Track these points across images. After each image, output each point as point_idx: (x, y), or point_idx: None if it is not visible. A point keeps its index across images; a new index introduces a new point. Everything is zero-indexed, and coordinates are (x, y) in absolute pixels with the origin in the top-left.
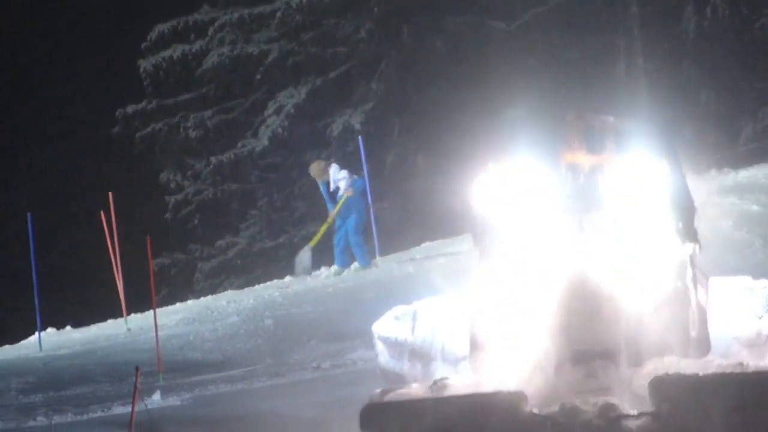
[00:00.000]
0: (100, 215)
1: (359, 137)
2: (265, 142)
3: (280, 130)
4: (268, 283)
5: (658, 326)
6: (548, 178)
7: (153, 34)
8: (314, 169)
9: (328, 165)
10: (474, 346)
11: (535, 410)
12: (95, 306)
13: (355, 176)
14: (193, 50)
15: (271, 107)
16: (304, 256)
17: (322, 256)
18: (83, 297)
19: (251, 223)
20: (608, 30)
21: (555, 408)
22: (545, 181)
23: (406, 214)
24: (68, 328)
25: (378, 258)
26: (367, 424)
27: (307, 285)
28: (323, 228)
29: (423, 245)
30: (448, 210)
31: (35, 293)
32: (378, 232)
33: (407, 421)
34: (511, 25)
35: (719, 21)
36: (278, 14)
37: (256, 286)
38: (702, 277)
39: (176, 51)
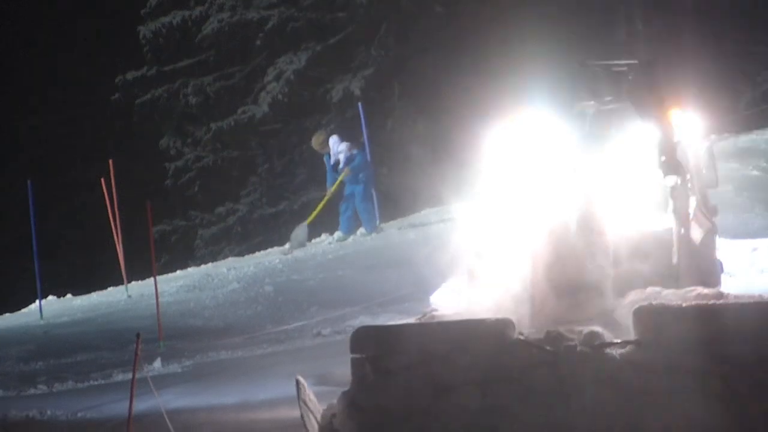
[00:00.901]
0: (101, 182)
1: (359, 103)
2: (265, 108)
3: (280, 96)
4: (269, 249)
5: (641, 258)
6: (557, 124)
7: (153, 1)
8: (315, 141)
9: (329, 136)
10: (471, 280)
11: (521, 336)
12: (96, 273)
13: (354, 150)
14: (193, 16)
15: (270, 73)
16: (300, 231)
17: (322, 224)
18: (84, 264)
19: (251, 190)
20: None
21: (541, 336)
22: (554, 127)
23: (406, 180)
24: (69, 295)
25: (378, 224)
26: (356, 347)
27: (307, 252)
28: (320, 205)
29: (423, 211)
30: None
31: (35, 261)
32: (378, 199)
33: (393, 345)
34: None
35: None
36: None
37: (257, 253)
38: (700, 214)
39: (176, 17)
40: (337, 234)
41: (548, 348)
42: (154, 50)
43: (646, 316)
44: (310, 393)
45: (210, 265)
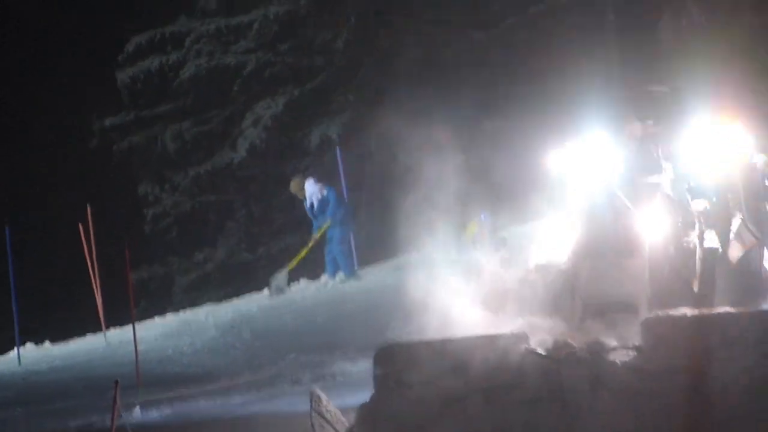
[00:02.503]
0: (79, 228)
1: (337, 147)
2: (243, 153)
3: (257, 141)
4: (247, 296)
5: (672, 279)
6: (609, 147)
7: (130, 46)
8: (293, 186)
9: (304, 180)
10: (520, 299)
11: (531, 347)
12: (74, 320)
13: (325, 190)
14: (170, 62)
15: (248, 118)
16: (280, 277)
17: (301, 269)
18: (62, 311)
19: (229, 235)
20: (586, 37)
21: (549, 345)
22: (606, 150)
23: (384, 224)
24: (47, 342)
25: (356, 269)
26: (378, 363)
27: (285, 297)
28: (303, 252)
29: (401, 256)
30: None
31: (14, 307)
32: (357, 244)
33: (413, 360)
34: (489, 31)
35: (695, 29)
36: (255, 25)
37: (235, 299)
38: (746, 231)
39: (153, 62)
40: (324, 277)
41: (545, 354)
42: (131, 96)
43: (653, 325)
44: (328, 404)
45: (188, 311)
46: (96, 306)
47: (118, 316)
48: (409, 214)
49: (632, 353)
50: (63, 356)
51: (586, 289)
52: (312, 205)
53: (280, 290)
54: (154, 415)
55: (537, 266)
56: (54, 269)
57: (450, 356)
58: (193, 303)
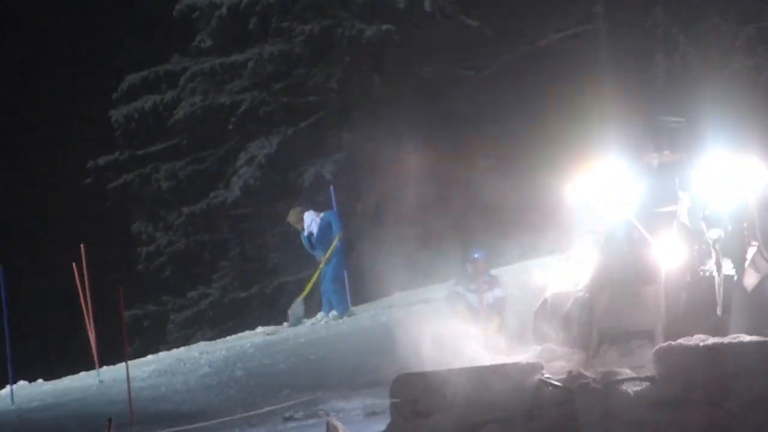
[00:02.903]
0: (73, 267)
1: (330, 186)
2: (237, 192)
3: (251, 180)
4: (240, 333)
5: (689, 307)
6: (628, 176)
7: (124, 85)
8: (291, 217)
9: (303, 211)
10: (536, 327)
11: (545, 377)
12: (68, 358)
13: (322, 214)
14: (165, 100)
15: (242, 157)
16: (297, 307)
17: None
18: (55, 349)
19: (223, 274)
20: (578, 76)
21: (563, 376)
22: (625, 179)
23: (377, 264)
24: (40, 380)
25: (349, 307)
26: (395, 392)
27: (279, 335)
28: (314, 277)
29: (395, 295)
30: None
31: (7, 346)
32: (350, 282)
33: (429, 389)
34: (482, 72)
35: (689, 67)
36: (249, 64)
37: (228, 337)
38: (762, 259)
39: (147, 101)
40: (320, 315)
41: (561, 385)
42: (126, 135)
43: (664, 354)
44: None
45: (182, 349)
46: (89, 344)
47: (112, 354)
48: (403, 253)
49: (645, 383)
50: (56, 394)
51: (603, 317)
52: (311, 234)
53: (298, 320)
54: None
55: (554, 294)
56: (48, 307)
57: (465, 385)
58: (187, 341)
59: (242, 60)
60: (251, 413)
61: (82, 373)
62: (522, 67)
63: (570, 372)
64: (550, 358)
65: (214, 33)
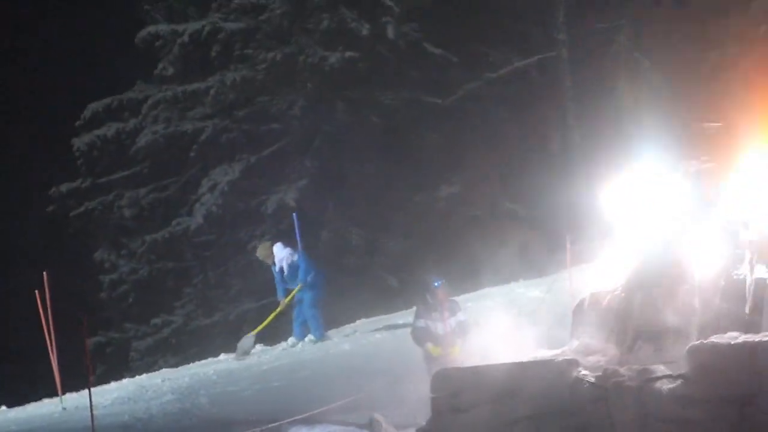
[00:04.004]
0: (35, 294)
1: (293, 213)
2: (200, 219)
3: (214, 207)
4: (204, 361)
5: (722, 307)
6: (666, 181)
7: (87, 113)
8: (261, 252)
9: (273, 245)
10: (574, 324)
11: (581, 374)
12: (30, 385)
13: (295, 255)
14: (127, 128)
15: (205, 185)
16: (247, 341)
17: (259, 335)
18: (18, 376)
19: (186, 301)
20: (543, 103)
21: (599, 373)
22: (664, 184)
23: (341, 291)
24: (4, 407)
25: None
26: (435, 388)
27: (242, 363)
28: (271, 316)
29: (358, 321)
30: (385, 286)
31: None
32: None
33: (468, 384)
34: (446, 99)
35: (653, 93)
36: (212, 91)
37: (192, 364)
38: None
39: (110, 129)
40: (291, 339)
41: (596, 382)
42: (88, 162)
43: (696, 352)
44: (388, 428)
45: (145, 376)
46: (52, 371)
47: (75, 381)
48: (367, 280)
49: (678, 381)
50: (20, 421)
51: (638, 316)
52: (282, 269)
53: (245, 353)
54: None
55: (592, 294)
56: (10, 334)
57: (503, 381)
58: (150, 368)
59: (204, 87)
60: None
61: (46, 400)
62: (486, 94)
63: (605, 369)
64: (586, 354)
65: (177, 61)
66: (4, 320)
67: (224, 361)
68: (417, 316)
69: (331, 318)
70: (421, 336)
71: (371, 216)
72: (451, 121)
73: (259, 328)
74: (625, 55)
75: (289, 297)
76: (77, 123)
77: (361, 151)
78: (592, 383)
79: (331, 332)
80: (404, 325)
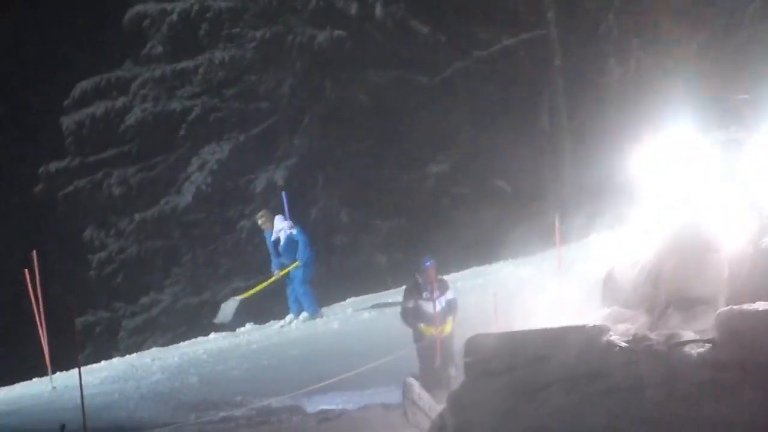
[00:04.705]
0: (24, 273)
1: (282, 192)
2: (189, 198)
3: (203, 186)
4: (193, 339)
5: (750, 275)
6: (695, 149)
7: (75, 92)
8: (262, 218)
9: (274, 215)
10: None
11: (612, 339)
12: (19, 364)
13: (294, 229)
14: (116, 107)
15: (194, 163)
16: (230, 304)
17: (248, 312)
18: (7, 355)
19: (175, 280)
20: (531, 82)
21: (629, 338)
22: (693, 152)
23: (329, 269)
24: None
25: (291, 315)
26: (468, 352)
27: (231, 342)
28: (261, 285)
29: (348, 300)
30: (374, 264)
31: None
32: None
33: (501, 349)
34: (434, 78)
35: (642, 73)
36: (200, 70)
37: (181, 344)
38: None
39: (99, 108)
40: (289, 316)
41: (626, 347)
42: (77, 141)
43: (725, 318)
44: (422, 392)
45: (134, 355)
46: (42, 350)
47: (64, 361)
48: (355, 258)
49: (707, 346)
50: (8, 401)
51: (669, 283)
52: (278, 240)
53: (225, 317)
54: None
55: (623, 261)
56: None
57: (535, 346)
58: (139, 347)
59: (193, 66)
60: (205, 419)
61: (35, 380)
62: (474, 73)
63: (635, 334)
64: (617, 320)
65: (165, 40)
66: None
67: (214, 340)
68: (406, 297)
69: (320, 297)
70: (410, 316)
71: (360, 194)
72: (440, 100)
73: (246, 294)
74: (615, 34)
75: (284, 271)
76: (66, 102)
77: (350, 130)
78: (623, 348)
79: (321, 310)
80: (393, 304)
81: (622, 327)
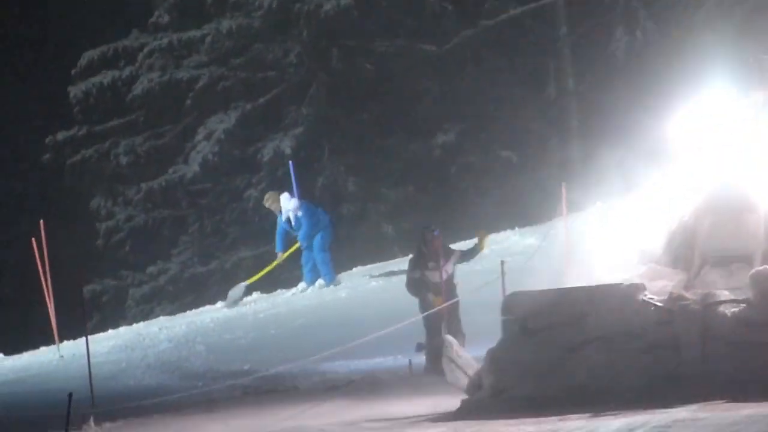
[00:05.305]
0: (32, 242)
1: (290, 161)
2: (196, 167)
3: (210, 155)
4: (200, 309)
5: None
6: (733, 110)
7: (82, 61)
8: (269, 199)
9: (280, 195)
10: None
11: (647, 297)
12: (27, 333)
13: (300, 210)
14: (123, 76)
15: (201, 133)
16: (237, 290)
17: (256, 283)
18: (15, 324)
19: (182, 249)
20: (538, 51)
21: (665, 297)
22: (730, 113)
23: (337, 238)
24: (0, 355)
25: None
26: (506, 310)
27: (238, 311)
28: (267, 269)
29: (355, 269)
30: (381, 233)
31: None
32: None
33: (538, 307)
34: (441, 47)
35: (649, 42)
36: (207, 39)
37: (188, 312)
38: None
39: (106, 77)
40: (301, 285)
41: (662, 306)
42: (84, 110)
43: (760, 278)
44: (459, 350)
45: (141, 324)
46: (49, 318)
47: (72, 329)
48: (363, 227)
49: (742, 305)
50: (16, 369)
51: (705, 242)
52: (289, 220)
53: (234, 302)
54: (108, 428)
55: (659, 220)
56: (7, 283)
57: (571, 305)
58: (146, 316)
59: (200, 35)
60: (212, 387)
61: (43, 348)
62: (481, 42)
63: (671, 293)
64: (653, 278)
65: (172, 8)
66: (1, 268)
67: (220, 309)
68: (412, 267)
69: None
70: (417, 287)
71: (367, 163)
72: (447, 69)
73: (253, 279)
74: (621, 3)
75: (287, 253)
76: (73, 71)
77: (357, 99)
78: (658, 306)
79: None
80: (400, 273)
81: (659, 284)
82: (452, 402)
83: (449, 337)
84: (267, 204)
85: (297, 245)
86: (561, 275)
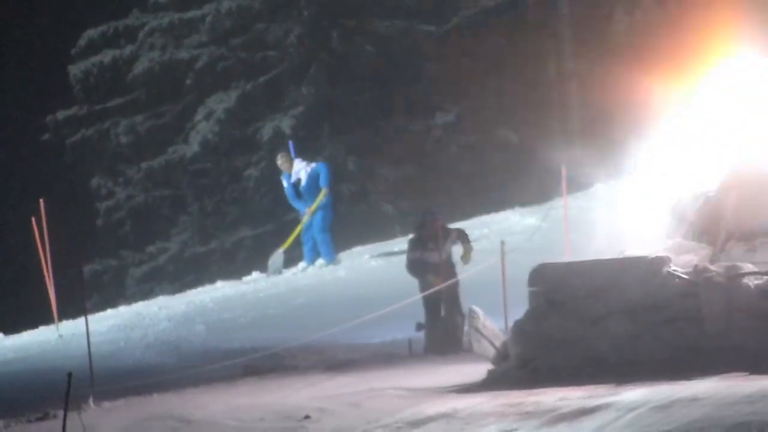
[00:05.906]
0: (32, 222)
1: (289, 141)
2: (196, 147)
3: (210, 135)
4: (200, 288)
5: None
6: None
7: (83, 40)
8: (281, 158)
9: (294, 158)
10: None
11: (672, 270)
12: (26, 312)
13: (314, 164)
14: (123, 55)
15: (201, 112)
16: (277, 258)
17: (252, 263)
18: (14, 303)
19: (182, 229)
20: (538, 31)
21: (689, 269)
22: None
23: (336, 218)
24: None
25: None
26: (533, 281)
27: (238, 290)
28: (297, 230)
29: (354, 249)
30: (381, 213)
31: None
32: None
33: (564, 279)
34: (441, 27)
35: (650, 22)
36: (208, 19)
37: (188, 292)
38: None
39: (106, 56)
40: (301, 264)
41: (686, 278)
42: (84, 89)
43: None
44: (485, 321)
45: (141, 304)
46: (49, 298)
47: (71, 309)
48: (361, 208)
49: (765, 278)
50: (15, 348)
51: (732, 217)
52: (298, 181)
53: (277, 271)
54: (107, 407)
55: (685, 195)
56: (7, 262)
57: (597, 277)
58: (146, 296)
59: (200, 15)
60: (212, 366)
61: (42, 328)
62: (482, 22)
63: (695, 266)
64: (678, 251)
65: None
66: (1, 248)
67: (220, 288)
68: (411, 248)
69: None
70: (417, 268)
71: (367, 143)
72: (447, 49)
73: (287, 243)
74: None
75: (315, 205)
76: (73, 50)
77: (357, 79)
78: (683, 278)
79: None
80: (400, 252)
81: (685, 258)
82: (453, 380)
83: (475, 308)
84: (279, 162)
85: (323, 194)
86: (563, 254)
